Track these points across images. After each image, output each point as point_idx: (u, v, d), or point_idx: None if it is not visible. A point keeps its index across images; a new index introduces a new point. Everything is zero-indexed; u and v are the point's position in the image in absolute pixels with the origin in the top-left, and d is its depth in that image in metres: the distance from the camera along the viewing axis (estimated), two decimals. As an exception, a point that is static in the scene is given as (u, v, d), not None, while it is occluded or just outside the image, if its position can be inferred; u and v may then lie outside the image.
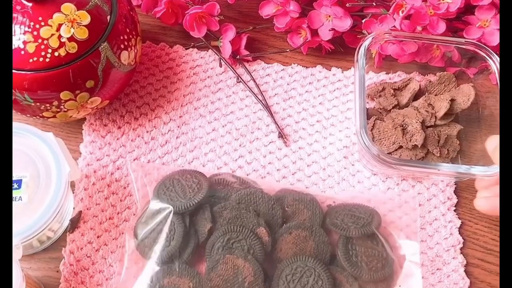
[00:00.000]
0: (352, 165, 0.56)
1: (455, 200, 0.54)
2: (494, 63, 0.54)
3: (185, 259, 0.48)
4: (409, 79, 0.59)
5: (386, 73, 0.62)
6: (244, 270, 0.46)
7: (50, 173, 0.46)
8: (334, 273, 0.48)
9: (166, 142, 0.56)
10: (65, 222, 0.51)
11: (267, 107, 0.59)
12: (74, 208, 0.52)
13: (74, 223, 0.51)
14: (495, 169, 0.48)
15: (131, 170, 0.53)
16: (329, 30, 0.59)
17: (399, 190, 0.55)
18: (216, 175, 0.53)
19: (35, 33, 0.46)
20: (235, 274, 0.46)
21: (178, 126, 0.58)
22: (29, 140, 0.47)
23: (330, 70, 0.62)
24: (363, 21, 0.59)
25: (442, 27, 0.56)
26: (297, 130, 0.58)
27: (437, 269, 0.51)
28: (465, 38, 0.57)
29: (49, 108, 0.50)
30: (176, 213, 0.48)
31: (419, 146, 0.54)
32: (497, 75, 0.54)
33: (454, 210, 0.54)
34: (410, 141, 0.53)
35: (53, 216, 0.45)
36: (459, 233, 0.53)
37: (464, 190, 0.55)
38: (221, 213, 0.49)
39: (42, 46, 0.46)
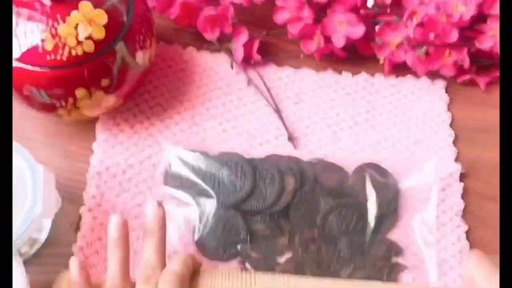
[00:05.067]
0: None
1: (462, 205, 0.54)
2: None
3: None
4: None
5: (395, 77, 0.62)
6: None
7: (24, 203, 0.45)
8: None
9: (177, 143, 0.57)
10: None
11: (277, 111, 0.60)
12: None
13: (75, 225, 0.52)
14: None
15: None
16: (343, 37, 0.59)
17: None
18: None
19: (53, 31, 0.47)
20: None
21: (190, 127, 0.58)
22: (18, 163, 0.46)
23: (341, 75, 0.63)
24: (376, 28, 0.60)
25: (454, 35, 0.56)
26: (307, 134, 0.59)
27: (444, 274, 0.51)
28: (477, 47, 0.57)
29: (64, 105, 0.50)
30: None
31: None
32: None
33: (462, 216, 0.54)
34: None
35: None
36: (466, 239, 0.53)
37: (471, 195, 0.55)
38: None
39: (60, 44, 0.47)
